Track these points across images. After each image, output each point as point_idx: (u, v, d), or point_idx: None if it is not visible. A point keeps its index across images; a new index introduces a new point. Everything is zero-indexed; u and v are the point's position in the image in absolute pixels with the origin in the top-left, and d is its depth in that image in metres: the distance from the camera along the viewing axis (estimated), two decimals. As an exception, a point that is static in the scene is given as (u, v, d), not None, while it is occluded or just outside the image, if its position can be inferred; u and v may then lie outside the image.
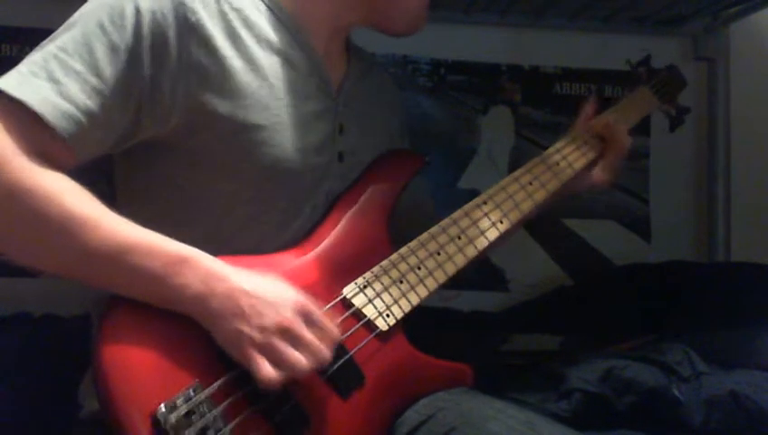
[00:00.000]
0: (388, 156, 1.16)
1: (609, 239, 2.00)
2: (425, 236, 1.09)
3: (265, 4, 1.05)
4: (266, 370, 0.86)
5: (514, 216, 1.16)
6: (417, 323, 1.06)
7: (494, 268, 1.92)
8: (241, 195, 1.01)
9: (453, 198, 1.87)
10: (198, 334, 0.88)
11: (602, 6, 1.90)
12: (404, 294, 1.04)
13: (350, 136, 1.11)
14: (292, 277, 0.96)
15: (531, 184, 1.20)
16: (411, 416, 1.01)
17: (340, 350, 0.96)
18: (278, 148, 1.00)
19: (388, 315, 1.02)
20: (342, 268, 1.02)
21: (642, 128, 1.96)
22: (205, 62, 0.96)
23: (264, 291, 0.89)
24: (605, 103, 1.36)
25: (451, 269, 1.08)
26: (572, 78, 2.02)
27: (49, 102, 0.88)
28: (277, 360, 0.87)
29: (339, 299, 0.99)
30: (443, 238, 1.09)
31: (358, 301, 1.01)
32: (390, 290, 1.03)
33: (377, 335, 1.01)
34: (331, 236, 1.04)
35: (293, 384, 0.91)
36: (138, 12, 0.93)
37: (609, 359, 1.27)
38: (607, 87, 2.03)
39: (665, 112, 1.47)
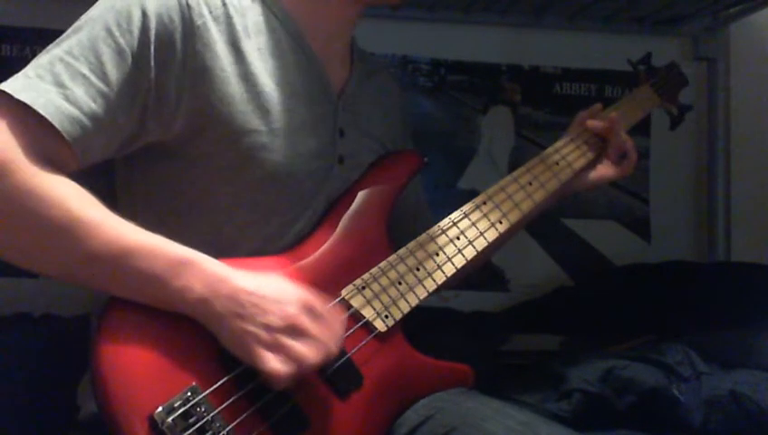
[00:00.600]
0: (387, 157, 1.16)
1: (609, 239, 2.00)
2: (423, 237, 1.09)
3: (269, 7, 1.05)
4: (275, 366, 0.86)
5: (514, 216, 1.16)
6: (416, 324, 1.06)
7: (494, 268, 1.92)
8: (241, 200, 1.01)
9: (453, 198, 1.87)
10: (197, 336, 0.88)
11: (602, 6, 1.90)
12: (402, 296, 1.04)
13: (351, 140, 1.11)
14: (292, 279, 0.96)
15: (530, 184, 1.20)
16: (410, 416, 1.01)
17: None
18: (278, 153, 1.00)
19: (386, 316, 1.02)
20: (341, 270, 1.02)
21: (642, 128, 1.96)
22: (209, 65, 0.96)
23: (268, 289, 0.89)
24: (605, 103, 1.36)
25: (450, 271, 1.08)
26: (572, 78, 2.02)
27: (54, 106, 0.88)
28: (285, 356, 0.87)
29: (337, 301, 0.99)
30: (442, 240, 1.09)
31: (356, 302, 1.01)
32: (389, 291, 1.03)
33: (375, 336, 1.01)
34: (330, 238, 1.04)
35: (292, 385, 0.91)
36: (144, 15, 0.93)
37: (609, 359, 1.27)
38: (607, 87, 2.03)
39: (666, 110, 1.47)
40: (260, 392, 0.89)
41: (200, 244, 0.91)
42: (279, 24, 1.05)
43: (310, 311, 0.90)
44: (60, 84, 0.89)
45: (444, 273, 1.08)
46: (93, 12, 0.95)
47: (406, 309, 1.04)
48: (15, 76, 0.90)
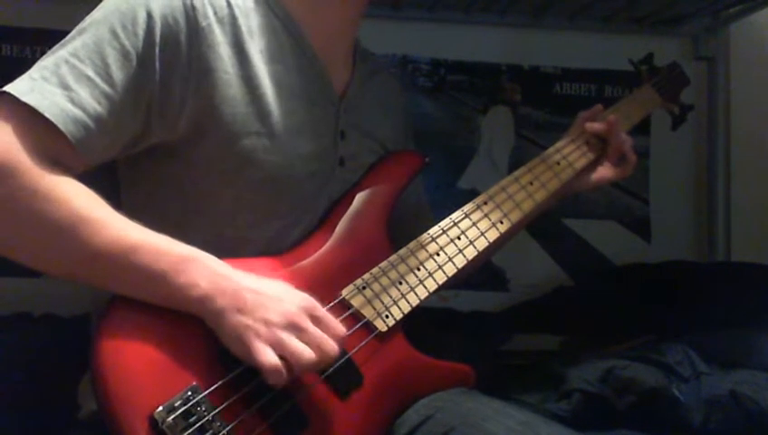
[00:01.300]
0: (388, 157, 1.16)
1: (609, 239, 2.00)
2: (424, 237, 1.09)
3: (272, 9, 1.05)
4: (271, 359, 0.86)
5: (515, 216, 1.16)
6: (416, 324, 1.06)
7: (494, 268, 1.92)
8: (243, 201, 1.01)
9: (453, 198, 1.87)
10: (197, 335, 0.88)
11: (602, 6, 1.90)
12: (403, 296, 1.04)
13: (352, 141, 1.11)
14: (293, 279, 0.96)
15: (531, 184, 1.20)
16: (410, 416, 1.01)
17: (338, 350, 0.97)
18: (279, 155, 1.01)
19: (387, 316, 1.02)
20: (342, 270, 1.02)
21: (642, 128, 1.96)
22: (212, 67, 0.97)
23: (269, 289, 0.90)
24: (605, 103, 1.36)
25: (451, 271, 1.08)
26: (572, 78, 2.02)
27: (59, 108, 0.88)
28: (283, 352, 0.87)
29: (337, 300, 0.99)
30: (443, 240, 1.09)
31: (356, 302, 1.01)
32: (389, 291, 1.03)
33: (376, 336, 1.01)
34: (330, 238, 1.04)
35: (292, 385, 0.91)
36: (150, 17, 0.94)
37: (609, 359, 1.27)
38: (607, 87, 2.03)
39: (668, 110, 1.47)
40: (260, 392, 0.89)
41: (202, 245, 0.91)
42: (281, 26, 1.05)
43: (310, 311, 0.90)
44: (65, 86, 0.89)
45: (444, 273, 1.08)
46: (98, 13, 0.95)
47: (406, 309, 1.04)
48: (20, 78, 0.91)
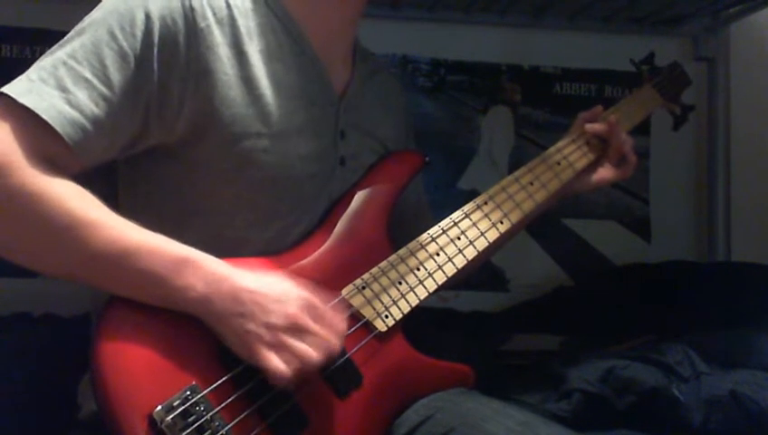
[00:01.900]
0: (388, 157, 1.16)
1: (609, 239, 2.00)
2: (424, 237, 1.09)
3: (271, 9, 1.05)
4: (278, 366, 0.86)
5: (515, 216, 1.16)
6: (416, 324, 1.06)
7: (494, 268, 1.92)
8: (243, 202, 1.01)
9: (453, 198, 1.87)
10: (196, 335, 0.88)
11: (602, 6, 1.90)
12: (403, 296, 1.04)
13: (352, 141, 1.11)
14: (292, 279, 0.96)
15: (532, 184, 1.20)
16: (410, 416, 1.01)
17: (338, 350, 0.97)
18: (278, 155, 1.01)
19: (386, 316, 1.02)
20: (342, 270, 1.02)
21: (642, 128, 1.96)
22: (211, 68, 0.96)
23: (269, 289, 0.90)
24: (605, 103, 1.36)
25: (451, 271, 1.08)
26: (572, 78, 2.02)
27: (57, 111, 0.88)
28: (287, 355, 0.87)
29: (337, 300, 0.99)
30: (442, 240, 1.09)
31: (356, 302, 1.01)
32: (389, 291, 1.03)
33: (375, 336, 1.01)
34: (330, 238, 1.04)
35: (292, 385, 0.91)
36: (148, 18, 0.94)
37: (609, 359, 1.27)
38: (607, 87, 2.03)
39: (669, 111, 1.46)
40: (259, 392, 0.89)
41: (202, 246, 0.91)
42: (281, 26, 1.05)
43: (311, 309, 0.90)
44: (63, 88, 0.89)
45: (444, 273, 1.08)
46: (96, 14, 0.95)
47: (406, 309, 1.04)
48: (18, 78, 0.91)
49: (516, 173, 1.20)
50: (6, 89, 0.89)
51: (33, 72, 0.91)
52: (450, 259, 1.09)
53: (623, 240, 2.01)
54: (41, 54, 0.94)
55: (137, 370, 0.84)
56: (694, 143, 2.06)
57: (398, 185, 1.13)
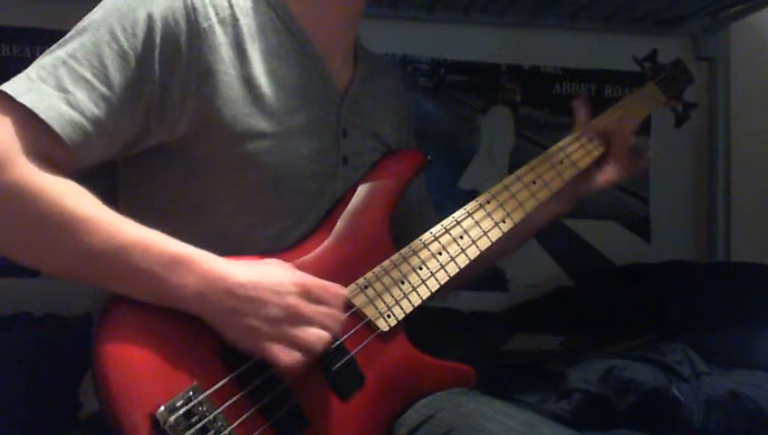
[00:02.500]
0: (390, 155, 1.16)
1: (609, 239, 2.00)
2: (426, 236, 1.09)
3: (274, 9, 1.05)
4: (284, 358, 0.87)
5: (518, 215, 1.16)
6: (417, 324, 1.06)
7: (494, 268, 1.92)
8: (245, 202, 1.01)
9: (453, 198, 1.87)
10: (199, 335, 0.88)
11: (602, 6, 1.90)
12: (405, 295, 1.04)
13: (355, 140, 1.11)
14: (284, 265, 0.95)
15: (534, 183, 1.19)
16: (411, 416, 1.01)
17: (340, 350, 0.97)
18: (281, 155, 1.00)
19: (389, 316, 1.02)
20: (344, 268, 1.02)
21: (642, 128, 1.95)
22: (213, 68, 0.96)
23: (263, 281, 0.90)
24: (605, 103, 1.35)
25: (453, 270, 1.08)
26: (572, 78, 2.02)
27: (56, 111, 0.88)
28: (290, 345, 0.87)
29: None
30: (445, 239, 1.09)
31: (358, 301, 1.01)
32: (391, 290, 1.03)
33: (377, 336, 1.01)
34: (332, 237, 1.04)
35: (293, 384, 0.91)
36: (150, 18, 0.93)
37: (609, 359, 1.28)
38: (607, 87, 2.04)
39: (671, 108, 1.46)
40: (262, 392, 0.89)
41: (204, 245, 0.91)
42: (282, 25, 1.05)
43: (307, 295, 0.91)
44: (62, 88, 0.89)
45: (447, 272, 1.08)
46: (97, 14, 0.95)
47: (408, 309, 1.04)
48: (18, 76, 0.90)
49: (518, 172, 1.19)
50: (6, 87, 0.89)
51: (32, 70, 0.91)
52: (453, 258, 1.09)
53: (623, 240, 2.01)
54: (41, 54, 0.94)
55: (139, 370, 0.84)
56: (694, 143, 2.05)
57: (400, 183, 1.13)
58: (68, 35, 0.94)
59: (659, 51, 1.47)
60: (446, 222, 1.11)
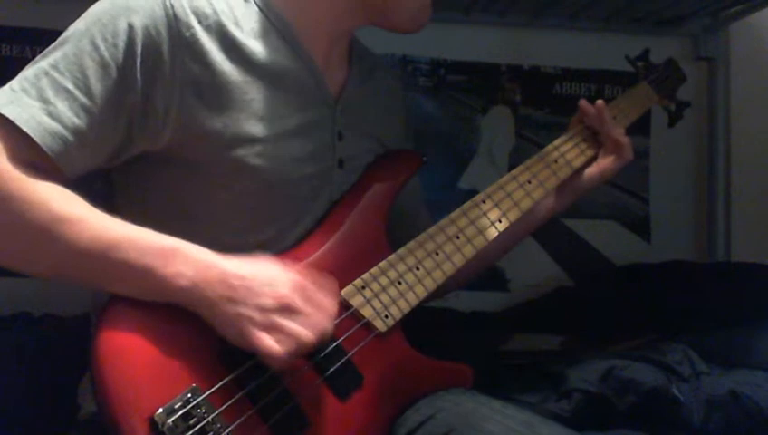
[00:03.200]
0: (386, 156, 1.16)
1: (609, 239, 2.00)
2: (422, 236, 1.09)
3: (264, 14, 1.04)
4: (271, 346, 0.86)
5: (513, 214, 1.16)
6: (416, 324, 1.06)
7: (494, 268, 1.92)
8: (239, 206, 1.01)
9: (453, 197, 1.87)
10: (197, 336, 0.88)
11: (602, 6, 1.90)
12: (402, 295, 1.04)
13: (350, 142, 1.11)
14: (280, 263, 0.95)
15: (529, 182, 1.20)
16: (410, 416, 1.01)
17: (338, 351, 0.97)
18: (274, 159, 1.01)
19: (386, 316, 1.02)
20: (341, 270, 1.02)
21: (642, 127, 1.96)
22: (199, 76, 0.96)
23: (258, 273, 0.90)
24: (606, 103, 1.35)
25: (449, 269, 1.08)
26: (572, 78, 2.02)
27: (37, 122, 0.89)
28: (280, 336, 0.87)
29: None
30: (440, 238, 1.09)
31: (356, 302, 1.01)
32: (388, 291, 1.03)
33: (375, 336, 1.01)
34: (328, 238, 1.04)
35: (292, 385, 0.91)
36: (131, 28, 0.93)
37: (609, 359, 1.27)
38: (607, 87, 2.03)
39: (664, 108, 1.46)
40: (260, 393, 0.89)
41: None
42: (274, 29, 1.04)
43: (301, 291, 0.91)
44: (44, 100, 0.90)
45: (443, 271, 1.08)
46: (79, 24, 0.95)
47: (405, 309, 1.04)
48: (2, 88, 0.91)
49: (514, 171, 1.20)
50: None
51: (16, 82, 0.92)
52: (449, 258, 1.09)
53: (623, 240, 2.01)
54: (41, 54, 0.94)
55: (137, 371, 0.84)
56: (694, 143, 2.05)
57: (396, 185, 1.13)
58: (51, 46, 0.94)
59: (659, 51, 1.47)
60: (442, 222, 1.11)
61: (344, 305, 1.00)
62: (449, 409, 0.99)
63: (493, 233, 1.13)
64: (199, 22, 0.97)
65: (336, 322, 0.96)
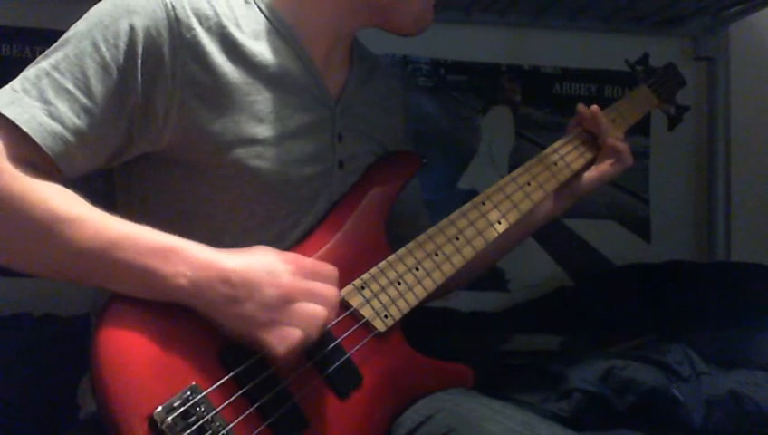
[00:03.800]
0: (386, 157, 1.16)
1: (609, 239, 2.00)
2: (422, 237, 1.09)
3: (265, 15, 1.05)
4: (279, 344, 0.86)
5: (513, 216, 1.16)
6: (416, 324, 1.06)
7: (494, 268, 1.92)
8: (239, 208, 1.01)
9: (453, 198, 1.87)
10: (197, 334, 0.88)
11: (602, 6, 1.91)
12: (402, 296, 1.04)
13: (350, 143, 1.11)
14: (275, 251, 0.95)
15: (529, 184, 1.20)
16: (410, 417, 1.01)
17: (337, 350, 0.97)
18: (274, 161, 1.01)
19: (386, 316, 1.02)
20: (340, 270, 1.01)
21: (642, 128, 1.97)
22: (200, 78, 0.96)
23: (256, 265, 0.89)
24: (605, 103, 1.36)
25: (449, 270, 1.08)
26: (572, 78, 2.03)
27: (37, 122, 0.89)
28: (287, 329, 0.87)
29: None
30: (440, 239, 1.09)
31: (355, 302, 1.01)
32: (388, 291, 1.03)
33: (375, 336, 1.01)
34: (328, 239, 1.04)
35: (292, 384, 0.91)
36: (132, 29, 0.93)
37: (609, 359, 1.27)
38: (607, 87, 2.04)
39: (664, 111, 1.47)
40: (260, 392, 0.89)
41: None
42: (274, 31, 1.04)
43: (300, 272, 0.91)
44: (44, 100, 0.90)
45: (443, 272, 1.08)
46: (81, 25, 0.95)
47: (405, 309, 1.04)
48: (3, 89, 0.91)
49: (513, 173, 1.20)
50: None
51: (17, 82, 0.92)
52: (448, 259, 1.09)
53: (623, 240, 2.01)
54: (41, 54, 0.95)
55: (137, 370, 0.84)
56: (694, 143, 2.06)
57: (396, 186, 1.13)
58: (53, 47, 0.94)
59: (659, 51, 1.47)
60: (442, 223, 1.11)
61: (344, 305, 1.00)
62: (449, 409, 0.99)
63: (492, 234, 1.13)
64: (200, 23, 0.97)
65: (336, 321, 0.96)
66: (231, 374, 0.88)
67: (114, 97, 0.93)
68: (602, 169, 1.28)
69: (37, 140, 0.88)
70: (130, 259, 0.87)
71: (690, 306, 1.62)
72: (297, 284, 0.90)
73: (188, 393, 0.84)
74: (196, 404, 0.84)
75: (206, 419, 0.84)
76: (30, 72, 0.93)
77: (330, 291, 0.92)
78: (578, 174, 1.27)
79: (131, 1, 0.95)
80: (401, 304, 1.04)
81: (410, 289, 1.05)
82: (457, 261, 1.09)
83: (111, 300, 0.88)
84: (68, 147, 0.91)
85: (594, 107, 1.28)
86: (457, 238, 1.10)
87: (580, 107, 1.29)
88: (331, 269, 0.94)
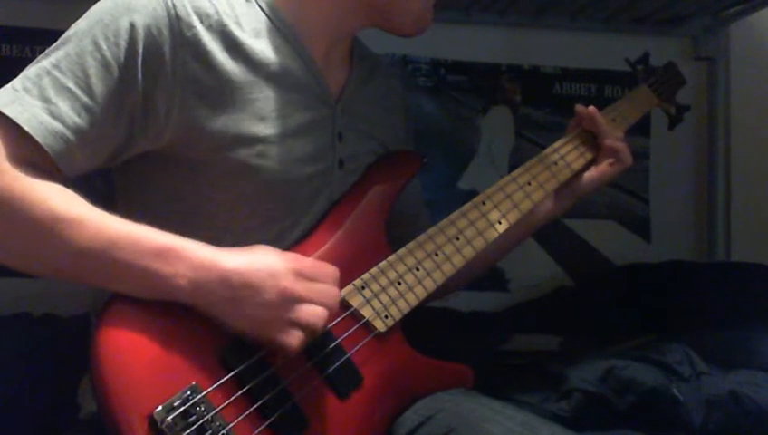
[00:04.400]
0: (386, 157, 1.16)
1: (609, 239, 2.00)
2: (422, 237, 1.09)
3: (266, 14, 1.05)
4: (283, 341, 0.88)
5: (513, 216, 1.16)
6: (416, 324, 1.06)
7: (494, 268, 1.92)
8: (240, 207, 1.01)
9: (453, 198, 1.87)
10: (197, 334, 0.88)
11: (602, 6, 1.91)
12: (402, 296, 1.04)
13: (351, 143, 1.11)
14: (275, 250, 0.95)
15: (529, 184, 1.20)
16: (410, 417, 1.01)
17: (338, 350, 0.97)
18: (274, 159, 1.01)
19: (386, 316, 1.02)
20: (340, 270, 1.01)
21: (642, 128, 1.97)
22: (200, 76, 0.97)
23: (255, 264, 0.90)
24: (605, 103, 1.36)
25: (449, 270, 1.08)
26: (572, 78, 2.03)
27: (38, 121, 0.89)
28: (289, 328, 0.88)
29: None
30: (440, 239, 1.09)
31: (355, 302, 1.01)
32: (388, 291, 1.03)
33: (375, 336, 1.01)
34: (328, 239, 1.04)
35: (292, 384, 0.91)
36: (132, 28, 0.94)
37: (609, 359, 1.27)
38: (607, 87, 2.04)
39: (664, 111, 1.47)
40: (260, 392, 0.89)
41: None
42: (275, 29, 1.05)
43: (300, 274, 0.91)
44: (45, 99, 0.90)
45: (443, 272, 1.08)
46: (82, 24, 0.95)
47: (405, 309, 1.04)
48: (4, 88, 0.92)
49: (514, 173, 1.20)
50: None
51: (18, 81, 0.92)
52: (448, 259, 1.09)
53: (623, 240, 2.01)
54: (41, 54, 0.95)
55: (137, 370, 0.84)
56: (694, 143, 2.06)
57: (396, 186, 1.13)
58: (53, 45, 0.95)
59: (659, 51, 1.47)
60: (442, 223, 1.11)
61: (344, 305, 1.00)
62: (449, 409, 0.99)
63: (492, 234, 1.13)
64: (201, 21, 0.97)
65: (336, 322, 0.97)
66: (231, 374, 0.88)
67: (115, 95, 0.93)
68: (602, 168, 1.28)
69: (38, 138, 0.88)
70: (130, 259, 0.87)
71: (690, 306, 1.62)
72: (297, 284, 0.90)
73: (188, 393, 0.84)
74: (197, 404, 0.84)
75: (206, 418, 0.84)
76: (31, 70, 0.93)
77: (330, 291, 0.92)
78: (578, 174, 1.27)
79: None
80: (401, 304, 1.04)
81: (411, 289, 1.05)
82: (458, 261, 1.09)
83: (111, 300, 0.88)
84: (68, 146, 0.91)
85: (591, 108, 1.28)
86: (458, 238, 1.10)
87: (579, 107, 1.29)
88: (331, 269, 0.95)
